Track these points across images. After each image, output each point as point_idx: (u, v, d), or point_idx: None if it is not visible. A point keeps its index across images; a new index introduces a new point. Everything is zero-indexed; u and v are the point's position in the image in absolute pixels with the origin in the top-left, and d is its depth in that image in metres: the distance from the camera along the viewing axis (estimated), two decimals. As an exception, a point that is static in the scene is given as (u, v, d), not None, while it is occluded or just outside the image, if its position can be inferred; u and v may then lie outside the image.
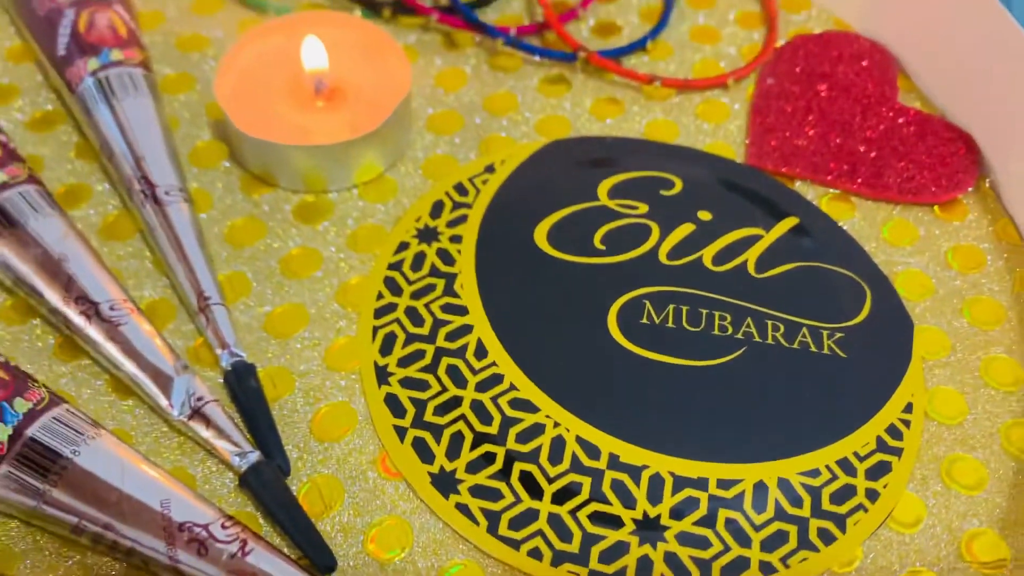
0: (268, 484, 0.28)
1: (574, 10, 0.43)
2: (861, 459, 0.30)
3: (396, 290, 0.34)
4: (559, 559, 0.28)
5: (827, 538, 0.29)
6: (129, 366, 0.30)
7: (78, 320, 0.30)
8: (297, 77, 0.37)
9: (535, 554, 0.28)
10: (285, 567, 0.26)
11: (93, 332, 0.30)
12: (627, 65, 0.41)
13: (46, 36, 0.37)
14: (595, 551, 0.28)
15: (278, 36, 0.38)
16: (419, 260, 0.35)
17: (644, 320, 0.33)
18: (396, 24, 0.42)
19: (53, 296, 0.31)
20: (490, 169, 0.37)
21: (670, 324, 0.33)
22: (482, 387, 0.31)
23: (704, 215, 0.36)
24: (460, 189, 0.37)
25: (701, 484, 0.29)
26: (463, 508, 0.29)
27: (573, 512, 0.29)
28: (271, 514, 0.28)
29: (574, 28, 0.43)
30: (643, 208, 0.36)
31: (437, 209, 0.36)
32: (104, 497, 0.26)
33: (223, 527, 0.26)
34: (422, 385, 0.32)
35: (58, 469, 0.26)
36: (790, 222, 0.36)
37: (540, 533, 0.29)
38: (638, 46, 0.42)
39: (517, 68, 0.41)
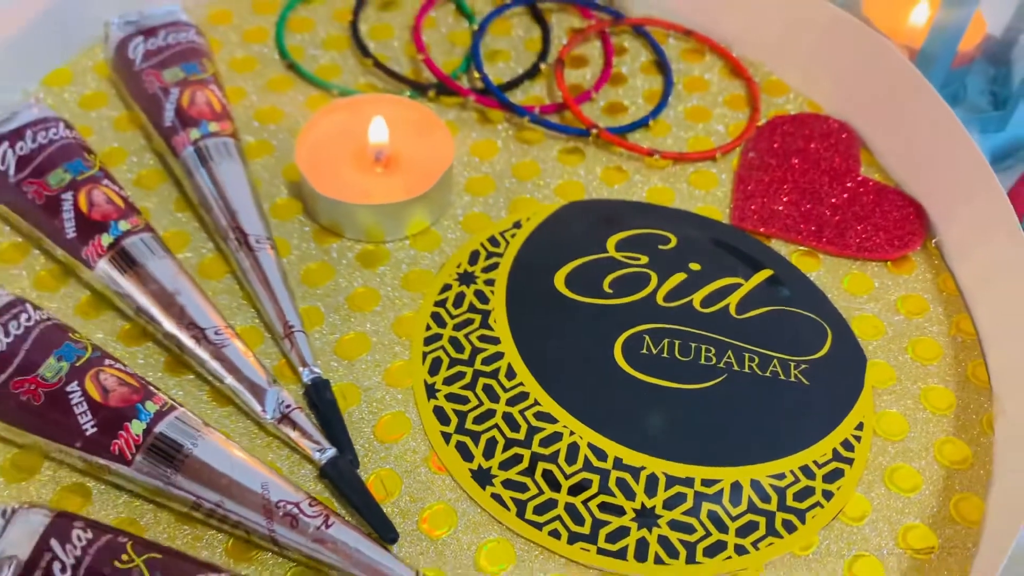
0: (343, 473, 0.35)
1: (588, 92, 0.50)
2: (819, 466, 0.37)
3: (441, 323, 0.41)
4: (573, 539, 0.35)
5: (790, 527, 0.36)
6: (230, 379, 0.37)
7: (189, 343, 0.38)
8: (360, 147, 0.45)
9: (555, 534, 0.35)
10: (359, 538, 0.33)
11: (201, 352, 0.37)
12: (631, 140, 0.49)
13: (154, 109, 0.45)
14: (602, 533, 0.35)
15: (343, 113, 0.46)
16: (459, 299, 0.42)
17: (644, 351, 0.40)
18: (439, 103, 0.50)
19: (168, 323, 0.38)
20: (518, 225, 0.45)
21: (665, 355, 0.40)
22: (511, 402, 0.38)
23: (695, 266, 0.43)
24: (493, 241, 0.44)
25: (688, 482, 0.36)
26: (497, 497, 0.36)
27: (585, 502, 0.36)
28: (345, 497, 0.35)
29: (588, 108, 0.50)
30: (644, 259, 0.44)
31: (474, 257, 0.44)
32: (216, 481, 0.33)
33: (310, 505, 0.33)
34: (463, 400, 0.39)
35: (181, 458, 0.34)
36: (766, 273, 0.43)
37: (558, 518, 0.36)
38: (641, 124, 0.49)
39: (540, 141, 0.49)
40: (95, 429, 0.34)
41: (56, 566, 0.30)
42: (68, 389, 0.34)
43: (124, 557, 0.31)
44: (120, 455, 0.33)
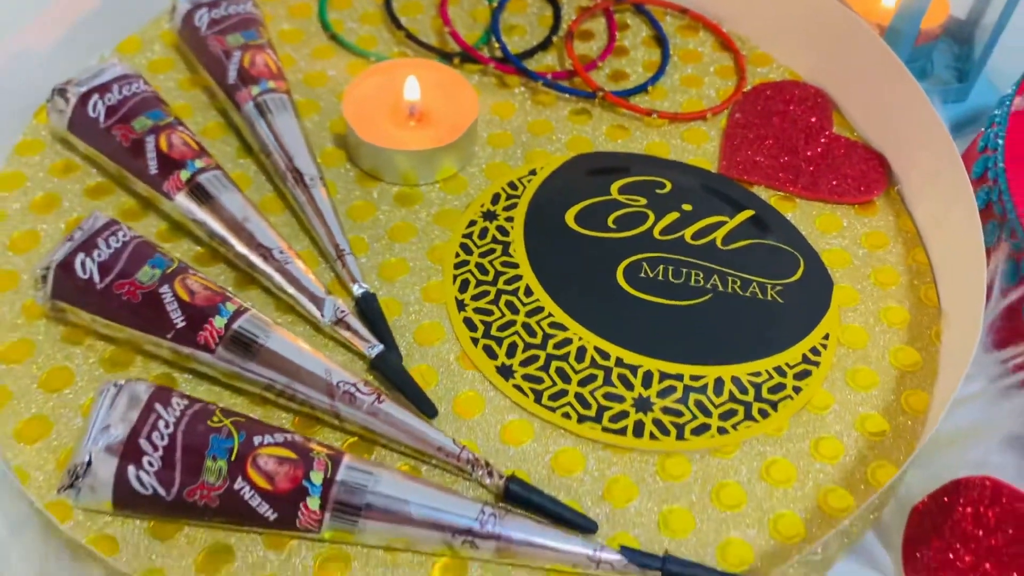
0: (389, 365, 0.42)
1: (594, 62, 0.57)
2: (791, 367, 0.44)
3: (468, 251, 0.48)
4: (582, 419, 0.42)
5: (764, 414, 0.42)
6: (292, 290, 0.44)
7: (258, 261, 0.44)
8: (397, 104, 0.52)
9: (566, 415, 0.42)
10: (406, 412, 0.40)
11: (268, 268, 0.44)
12: (632, 102, 0.56)
13: (218, 70, 0.52)
14: (605, 416, 0.42)
15: (381, 76, 0.53)
16: (484, 232, 0.49)
17: (642, 275, 0.47)
18: (463, 70, 0.57)
19: (239, 245, 0.45)
20: (533, 172, 0.52)
21: (660, 278, 0.47)
22: (529, 314, 0.45)
23: (687, 206, 0.50)
24: (512, 185, 0.51)
25: (678, 377, 0.43)
26: (518, 387, 0.43)
27: (591, 392, 0.43)
28: (392, 384, 0.42)
29: (594, 75, 0.57)
30: (643, 201, 0.50)
31: (495, 199, 0.51)
32: (285, 367, 0.40)
33: (365, 385, 0.40)
34: (488, 312, 0.46)
35: (256, 348, 0.40)
36: (748, 213, 0.50)
37: (569, 404, 0.42)
38: (641, 89, 0.56)
39: (552, 103, 0.56)
40: (184, 323, 0.40)
41: (160, 423, 0.37)
42: (161, 291, 0.41)
43: (215, 418, 0.37)
44: (205, 345, 0.40)
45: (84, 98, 0.48)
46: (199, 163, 0.47)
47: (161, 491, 0.36)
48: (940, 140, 0.49)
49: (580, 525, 0.38)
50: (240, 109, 0.50)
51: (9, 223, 0.47)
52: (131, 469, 0.36)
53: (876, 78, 0.54)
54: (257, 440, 0.37)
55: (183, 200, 0.46)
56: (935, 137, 0.49)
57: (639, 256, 0.48)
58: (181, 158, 0.47)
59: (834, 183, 0.52)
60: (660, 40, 0.59)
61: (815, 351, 0.45)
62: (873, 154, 0.53)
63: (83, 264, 0.41)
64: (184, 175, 0.46)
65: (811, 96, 0.56)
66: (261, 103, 0.50)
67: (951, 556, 0.38)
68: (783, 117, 0.55)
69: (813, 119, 0.55)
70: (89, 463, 0.36)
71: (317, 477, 0.36)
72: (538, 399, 0.43)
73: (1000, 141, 0.49)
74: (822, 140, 0.54)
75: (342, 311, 0.43)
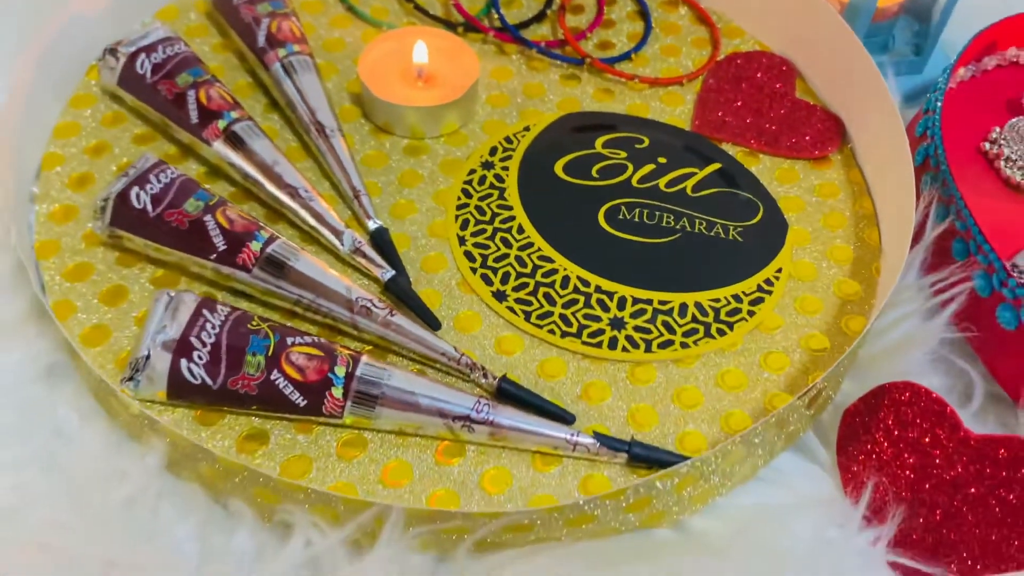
0: (400, 286, 0.49)
1: (584, 32, 0.64)
2: (747, 295, 0.51)
3: (468, 195, 0.55)
4: (564, 335, 0.49)
5: (721, 332, 0.49)
6: (316, 224, 0.51)
7: (286, 199, 0.51)
8: (406, 66, 0.58)
9: (551, 332, 0.49)
10: (414, 324, 0.46)
11: (295, 205, 0.51)
12: (617, 68, 0.62)
13: (249, 35, 0.58)
14: (585, 332, 0.49)
15: (392, 42, 0.59)
16: (482, 179, 0.56)
17: (620, 217, 0.54)
18: (466, 38, 0.63)
19: (270, 185, 0.52)
20: (527, 129, 0.59)
21: (636, 220, 0.54)
22: (521, 249, 0.52)
23: (662, 159, 0.57)
24: (507, 140, 0.58)
25: (648, 302, 0.50)
26: (510, 308, 0.50)
27: (573, 313, 0.49)
28: (402, 302, 0.48)
29: (584, 44, 0.64)
30: (623, 154, 0.57)
31: (493, 151, 0.57)
32: (312, 284, 0.47)
33: (380, 301, 0.47)
34: (485, 247, 0.52)
35: (287, 269, 0.47)
36: (716, 165, 0.57)
37: (554, 322, 0.49)
38: (625, 57, 0.63)
39: (545, 69, 0.62)
40: (225, 247, 0.47)
41: (208, 325, 0.44)
42: (204, 219, 0.48)
43: (253, 323, 0.44)
44: (243, 265, 0.47)
45: (132, 57, 0.55)
46: (234, 114, 0.53)
47: (209, 381, 0.43)
48: (886, 105, 0.55)
49: (560, 416, 0.45)
50: (268, 69, 0.57)
51: (68, 165, 0.54)
52: (183, 362, 0.43)
53: (835, 50, 0.60)
54: (289, 340, 0.44)
55: (220, 146, 0.52)
56: (883, 103, 0.56)
57: (618, 201, 0.54)
58: (219, 109, 0.53)
59: (793, 141, 0.59)
60: (643, 14, 0.66)
61: (768, 282, 0.52)
62: (830, 116, 0.60)
63: (138, 196, 0.48)
64: (221, 124, 0.53)
65: (777, 65, 0.63)
66: (287, 64, 0.57)
67: (877, 449, 0.45)
68: (751, 83, 0.62)
69: (778, 85, 0.62)
70: (148, 357, 0.43)
71: (340, 371, 0.43)
72: (527, 318, 0.49)
73: (939, 104, 0.56)
74: (785, 103, 0.61)
75: (359, 242, 0.50)
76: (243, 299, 0.49)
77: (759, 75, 0.62)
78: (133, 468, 0.42)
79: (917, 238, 0.51)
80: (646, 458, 0.43)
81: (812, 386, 0.43)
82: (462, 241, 0.53)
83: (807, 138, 0.59)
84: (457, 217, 0.54)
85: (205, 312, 0.44)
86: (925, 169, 0.54)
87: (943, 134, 0.54)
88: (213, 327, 0.44)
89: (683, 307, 0.50)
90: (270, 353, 0.43)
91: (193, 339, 0.43)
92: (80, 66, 0.58)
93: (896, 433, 0.45)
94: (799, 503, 0.44)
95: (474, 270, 0.51)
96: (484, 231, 0.53)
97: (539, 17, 0.65)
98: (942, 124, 0.54)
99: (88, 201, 0.52)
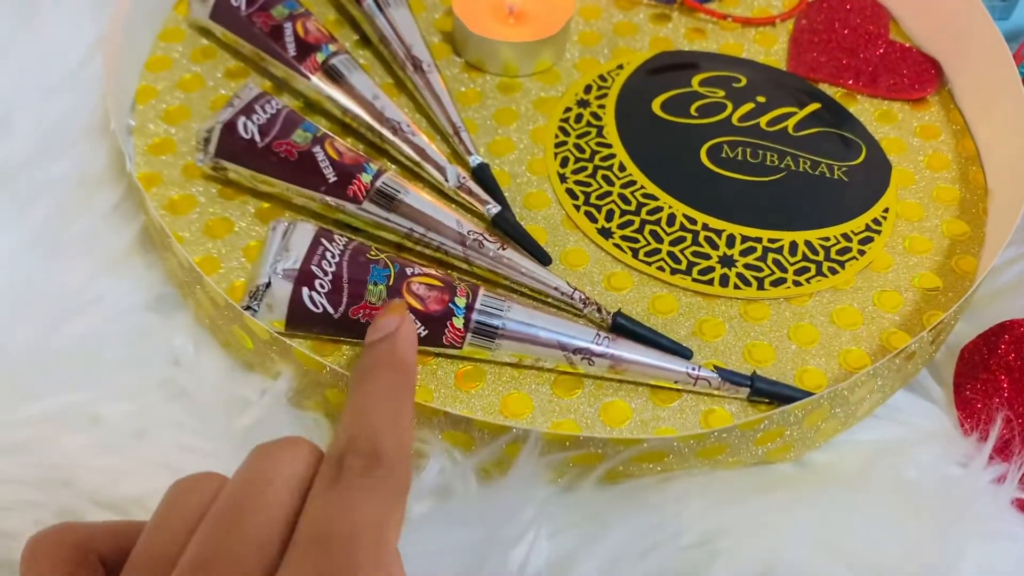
0: (508, 220, 0.48)
1: (672, -28, 0.63)
2: (856, 234, 0.50)
3: (566, 133, 0.54)
4: (674, 272, 0.48)
5: (833, 271, 0.49)
6: (419, 159, 0.50)
7: (387, 133, 0.50)
8: (498, 3, 0.57)
9: (660, 268, 0.48)
10: (524, 258, 0.46)
11: (397, 140, 0.50)
12: (708, 7, 0.61)
13: (337, -29, 0.57)
14: (694, 270, 0.48)
15: (483, -22, 0.58)
16: (579, 118, 0.55)
17: (723, 155, 0.53)
18: (552, -24, 0.62)
19: (371, 119, 0.51)
20: (620, 67, 0.58)
21: (739, 158, 0.53)
22: (624, 187, 0.51)
23: (760, 98, 0.56)
24: (602, 78, 0.57)
25: (757, 240, 0.49)
26: (617, 246, 0.49)
27: (681, 251, 0.49)
28: (511, 236, 0.48)
29: (672, -17, 0.63)
30: (721, 93, 0.56)
31: (588, 89, 0.56)
32: (424, 219, 0.46)
33: (490, 235, 0.46)
34: (587, 184, 0.52)
35: (398, 202, 0.46)
36: (815, 105, 0.56)
37: (662, 259, 0.48)
38: (715, -4, 0.62)
39: (636, 8, 0.61)
40: (335, 179, 0.46)
41: (327, 254, 0.43)
42: (314, 150, 0.47)
43: (372, 253, 0.44)
44: (354, 197, 0.46)
45: (225, -11, 0.54)
46: (332, 47, 0.53)
47: (330, 309, 0.42)
48: (991, 39, 0.54)
49: (678, 351, 0.44)
50: (361, 4, 0.56)
51: (161, 99, 0.53)
52: (304, 291, 0.42)
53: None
54: (409, 271, 0.43)
55: (319, 80, 0.52)
56: (986, 37, 0.54)
57: (720, 139, 0.54)
58: (316, 42, 0.52)
59: (892, 81, 0.58)
60: (731, -46, 0.65)
61: (876, 222, 0.51)
62: (926, 58, 0.59)
63: (245, 126, 0.47)
64: (320, 57, 0.52)
65: (869, 6, 0.62)
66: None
67: (998, 386, 0.45)
68: (844, 24, 0.60)
69: (871, 27, 0.61)
70: (268, 285, 0.42)
71: (461, 302, 0.43)
72: (635, 255, 0.49)
73: (1045, 43, 0.55)
74: (880, 44, 0.59)
75: (463, 177, 0.50)
76: (348, 231, 0.48)
77: (852, 17, 0.61)
78: (255, 396, 0.42)
79: (1029, 178, 0.50)
80: (769, 392, 0.43)
81: (942, 318, 0.42)
82: (563, 179, 0.52)
83: (906, 79, 0.58)
84: (556, 155, 0.53)
85: (324, 242, 0.44)
86: (1032, 109, 0.53)
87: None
88: (333, 256, 0.43)
89: (793, 245, 0.49)
90: (391, 283, 0.42)
91: (314, 268, 0.43)
92: (167, 1, 0.58)
93: (1018, 370, 0.44)
94: (920, 439, 0.44)
95: (577, 207, 0.51)
96: (584, 169, 0.52)
97: (626, -44, 0.64)
98: (1050, 63, 0.53)
99: (184, 135, 0.52)
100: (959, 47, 0.57)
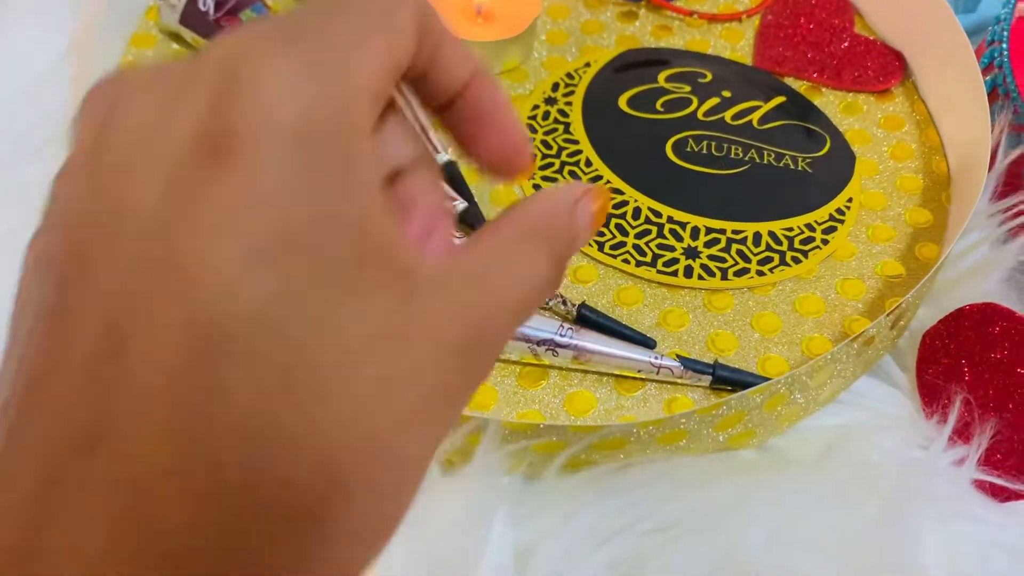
0: (477, 217, 0.49)
1: (639, -30, 0.63)
2: (819, 223, 0.51)
3: (533, 131, 0.55)
4: (639, 264, 0.49)
5: (796, 260, 0.49)
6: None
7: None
8: (466, 3, 0.58)
9: (626, 261, 0.49)
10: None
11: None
12: (675, 4, 0.62)
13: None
14: (659, 262, 0.49)
15: (450, -21, 0.59)
16: (546, 115, 0.55)
17: (688, 149, 0.53)
18: (521, -24, 0.63)
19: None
20: (587, 65, 0.58)
21: (704, 152, 0.53)
22: (590, 182, 0.52)
23: (726, 93, 0.57)
24: (569, 76, 0.58)
25: (722, 231, 0.50)
26: (583, 239, 0.49)
27: (647, 243, 0.49)
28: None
29: (639, -18, 0.63)
30: (687, 88, 0.57)
31: (555, 87, 0.57)
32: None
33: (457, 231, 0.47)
34: (554, 180, 0.52)
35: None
36: (780, 99, 0.57)
37: (628, 252, 0.49)
38: (682, -6, 0.62)
39: (603, 6, 0.62)
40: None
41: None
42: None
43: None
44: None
45: (194, -6, 0.55)
46: None
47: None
48: (952, 31, 0.55)
49: (641, 341, 0.45)
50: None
51: (132, 104, 0.54)
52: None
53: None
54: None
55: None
56: (948, 30, 0.55)
57: (685, 133, 0.54)
58: (283, 45, 0.53)
59: (856, 74, 0.58)
60: (697, -48, 0.65)
61: (840, 211, 0.51)
62: (890, 50, 0.59)
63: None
64: (287, 59, 0.53)
65: (834, 1, 0.62)
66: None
67: (959, 370, 0.45)
68: (809, 18, 0.61)
69: (836, 21, 0.61)
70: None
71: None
72: (600, 248, 0.49)
73: (1005, 34, 0.55)
74: (845, 38, 0.60)
75: (449, 162, 0.50)
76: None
77: (817, 11, 0.62)
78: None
79: (988, 167, 0.51)
80: (731, 380, 0.43)
81: (900, 303, 0.43)
82: (530, 177, 0.52)
83: (870, 71, 0.58)
84: (523, 151, 0.54)
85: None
86: (992, 100, 0.54)
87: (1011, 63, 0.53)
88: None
89: (756, 236, 0.50)
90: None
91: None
92: (136, 8, 0.58)
93: (978, 354, 0.45)
94: (882, 423, 0.44)
95: (544, 202, 0.51)
96: (552, 164, 0.53)
97: (593, -44, 0.64)
98: (1010, 54, 0.54)
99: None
100: (922, 40, 0.58)
